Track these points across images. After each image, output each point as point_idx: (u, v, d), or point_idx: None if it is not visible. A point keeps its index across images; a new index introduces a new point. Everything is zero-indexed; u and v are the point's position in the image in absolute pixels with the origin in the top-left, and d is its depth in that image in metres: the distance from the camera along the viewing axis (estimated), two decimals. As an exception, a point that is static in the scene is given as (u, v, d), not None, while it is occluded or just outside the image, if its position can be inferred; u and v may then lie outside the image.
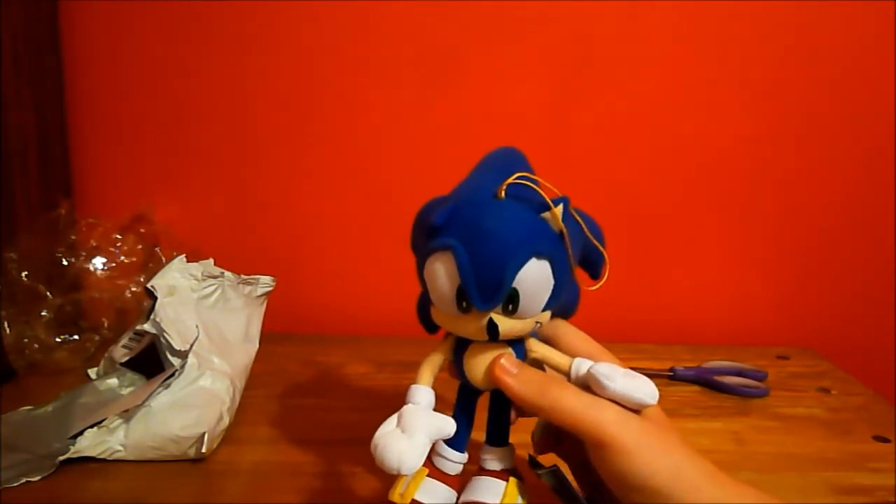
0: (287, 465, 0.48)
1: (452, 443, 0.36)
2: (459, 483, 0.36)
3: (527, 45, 0.73)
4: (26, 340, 0.60)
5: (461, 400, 0.38)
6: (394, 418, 0.33)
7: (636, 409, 0.33)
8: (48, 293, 0.63)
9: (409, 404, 0.34)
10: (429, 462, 0.36)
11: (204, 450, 0.46)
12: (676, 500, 0.30)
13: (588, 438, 0.32)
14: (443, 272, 0.32)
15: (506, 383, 0.33)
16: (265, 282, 0.57)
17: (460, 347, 0.36)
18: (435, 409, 0.34)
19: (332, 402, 0.58)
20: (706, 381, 0.64)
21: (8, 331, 0.59)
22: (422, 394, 0.34)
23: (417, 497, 0.34)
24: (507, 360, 0.34)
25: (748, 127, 0.75)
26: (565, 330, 0.38)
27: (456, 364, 0.36)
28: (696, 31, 0.73)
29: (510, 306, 0.32)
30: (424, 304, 0.39)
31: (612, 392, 0.32)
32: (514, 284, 0.31)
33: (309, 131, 0.74)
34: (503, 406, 0.37)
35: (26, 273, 0.62)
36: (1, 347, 0.59)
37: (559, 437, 0.39)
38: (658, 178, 0.77)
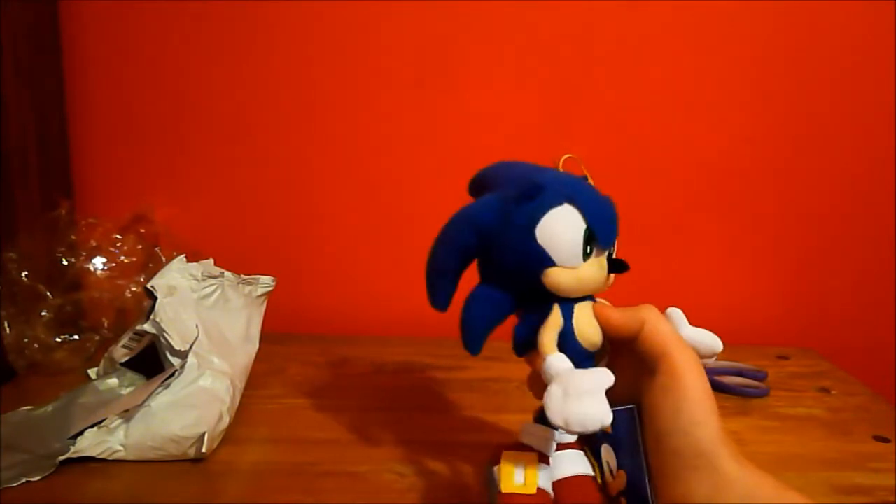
0: (287, 465, 0.48)
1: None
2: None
3: (527, 46, 0.73)
4: (26, 340, 0.60)
5: None
6: (557, 389, 0.34)
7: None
8: (48, 293, 0.63)
9: (564, 369, 0.35)
10: (524, 444, 0.38)
11: (204, 450, 0.46)
12: (707, 456, 0.32)
13: (665, 362, 0.35)
14: (568, 222, 0.37)
15: (609, 316, 0.38)
16: (265, 282, 0.57)
17: (566, 316, 0.38)
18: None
19: (332, 401, 0.58)
20: (706, 381, 0.64)
21: (8, 331, 0.59)
22: (564, 358, 0.37)
23: (541, 484, 0.36)
24: (607, 304, 0.39)
25: (748, 127, 0.75)
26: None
27: (565, 331, 0.38)
28: (697, 32, 0.73)
29: (610, 250, 0.39)
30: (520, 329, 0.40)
31: (684, 332, 0.37)
32: None
33: (309, 131, 0.74)
34: None
35: (26, 273, 0.62)
36: (1, 347, 0.59)
37: None
38: (658, 178, 0.77)
